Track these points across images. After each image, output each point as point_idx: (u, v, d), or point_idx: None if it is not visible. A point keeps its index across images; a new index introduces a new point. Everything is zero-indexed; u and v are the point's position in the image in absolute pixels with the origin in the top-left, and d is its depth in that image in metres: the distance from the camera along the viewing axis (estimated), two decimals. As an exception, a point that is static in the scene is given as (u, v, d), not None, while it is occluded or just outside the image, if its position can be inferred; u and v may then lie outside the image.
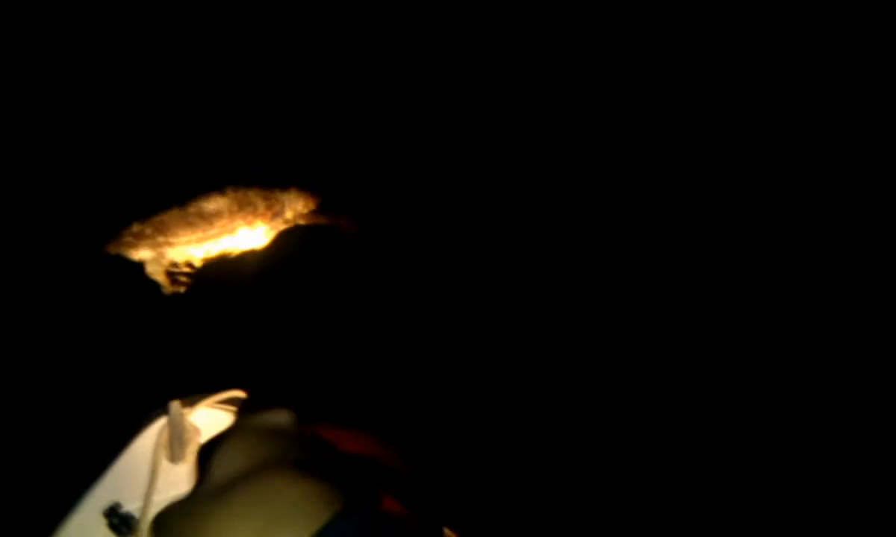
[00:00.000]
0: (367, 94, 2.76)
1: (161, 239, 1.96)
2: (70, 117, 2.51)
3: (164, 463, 0.85)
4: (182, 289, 1.95)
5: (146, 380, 1.57)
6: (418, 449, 0.81)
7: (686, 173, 2.48)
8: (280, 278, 2.03)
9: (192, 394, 0.91)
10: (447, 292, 2.04)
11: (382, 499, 0.63)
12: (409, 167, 2.44)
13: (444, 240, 2.19)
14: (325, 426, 0.65)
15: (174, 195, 2.08)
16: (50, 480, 1.24)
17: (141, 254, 1.96)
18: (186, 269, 1.98)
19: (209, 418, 0.89)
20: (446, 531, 0.63)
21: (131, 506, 0.82)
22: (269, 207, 2.08)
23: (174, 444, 0.86)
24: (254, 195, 2.08)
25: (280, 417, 0.58)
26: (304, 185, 2.17)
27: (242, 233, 2.04)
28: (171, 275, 1.96)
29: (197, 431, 0.88)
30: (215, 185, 2.10)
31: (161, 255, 1.96)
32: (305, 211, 2.14)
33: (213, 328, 1.85)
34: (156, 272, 1.94)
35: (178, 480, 0.83)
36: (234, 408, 0.90)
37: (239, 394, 0.92)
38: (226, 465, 0.53)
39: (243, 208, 2.05)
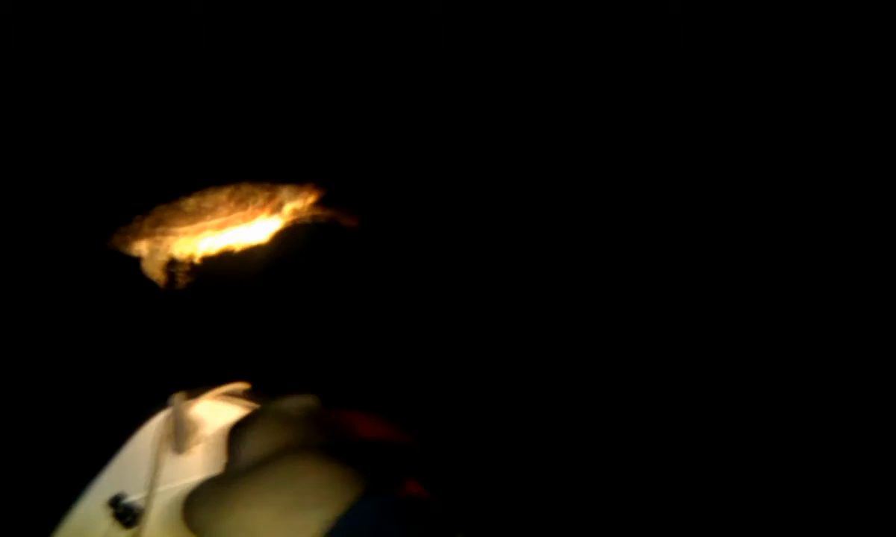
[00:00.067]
0: (367, 91, 2.77)
1: (161, 233, 1.97)
2: (69, 113, 2.51)
3: (168, 455, 0.86)
4: (183, 284, 1.95)
5: (149, 373, 1.58)
6: (435, 435, 0.82)
7: (686, 173, 2.49)
8: (282, 272, 2.03)
9: (195, 387, 0.93)
10: (450, 286, 2.04)
11: (405, 483, 0.65)
12: (409, 163, 2.45)
13: (444, 238, 2.20)
14: (347, 411, 0.66)
15: (174, 189, 2.08)
16: (54, 471, 1.24)
17: (141, 248, 1.96)
18: (187, 264, 1.99)
19: (212, 410, 0.91)
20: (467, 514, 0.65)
21: (135, 497, 0.83)
22: (269, 201, 2.08)
23: (177, 436, 0.87)
24: (255, 189, 2.08)
25: (304, 402, 0.59)
26: (305, 180, 2.17)
27: (243, 227, 2.04)
28: (171, 269, 1.96)
29: (200, 423, 0.89)
30: (216, 180, 2.10)
31: (161, 250, 1.96)
32: (306, 205, 2.14)
33: (215, 322, 1.85)
34: (156, 266, 1.94)
35: (181, 471, 0.84)
36: (237, 400, 0.91)
37: (242, 386, 0.93)
38: (251, 448, 0.54)
39: (244, 202, 2.05)
